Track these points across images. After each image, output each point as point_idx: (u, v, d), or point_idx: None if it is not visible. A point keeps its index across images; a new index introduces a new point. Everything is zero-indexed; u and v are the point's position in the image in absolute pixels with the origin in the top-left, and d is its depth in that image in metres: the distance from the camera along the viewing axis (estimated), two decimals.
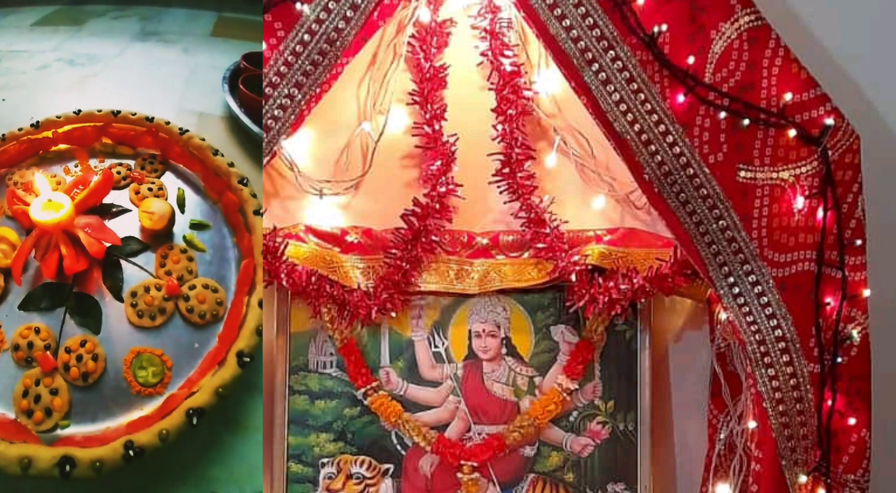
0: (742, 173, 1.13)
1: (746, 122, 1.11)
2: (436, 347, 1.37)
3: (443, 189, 1.31)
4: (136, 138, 1.60)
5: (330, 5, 1.11)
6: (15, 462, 1.01)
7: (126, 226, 1.42)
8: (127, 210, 1.46)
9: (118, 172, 1.53)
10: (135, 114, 1.59)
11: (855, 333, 1.16)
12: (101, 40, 2.24)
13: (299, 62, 1.12)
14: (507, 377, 1.37)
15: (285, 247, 1.29)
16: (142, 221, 1.42)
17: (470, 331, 1.37)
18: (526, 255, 1.35)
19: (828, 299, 1.16)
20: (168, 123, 1.57)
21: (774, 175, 1.13)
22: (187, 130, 1.54)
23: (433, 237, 1.32)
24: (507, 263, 1.35)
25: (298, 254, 1.31)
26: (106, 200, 1.45)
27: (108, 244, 1.34)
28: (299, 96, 1.14)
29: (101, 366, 1.22)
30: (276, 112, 1.14)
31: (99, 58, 2.12)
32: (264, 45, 1.12)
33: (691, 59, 1.10)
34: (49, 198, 1.35)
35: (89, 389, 1.20)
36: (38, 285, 1.32)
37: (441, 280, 1.35)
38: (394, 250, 1.31)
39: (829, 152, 1.13)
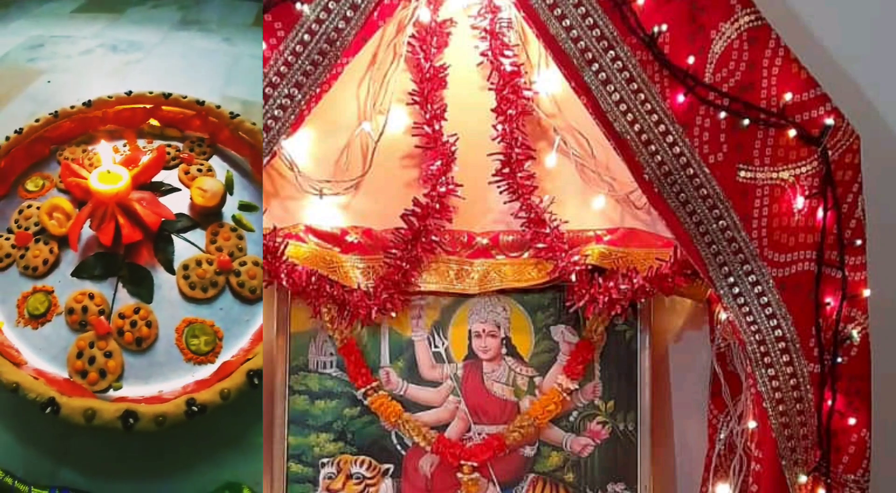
0: (742, 173, 1.13)
1: (746, 122, 1.11)
2: (436, 347, 1.37)
3: (443, 189, 1.31)
4: (185, 121, 1.63)
5: (330, 5, 1.11)
6: (79, 413, 1.08)
7: (176, 204, 1.45)
8: (177, 189, 1.50)
9: (167, 153, 1.56)
10: (185, 97, 1.62)
11: (855, 333, 1.16)
12: (141, 28, 2.30)
13: (299, 62, 1.13)
14: (507, 377, 1.37)
15: (285, 247, 1.29)
16: (194, 198, 1.45)
17: (470, 331, 1.37)
18: (526, 255, 1.35)
19: (828, 299, 1.16)
20: (219, 106, 1.59)
21: (774, 175, 1.13)
22: (238, 115, 1.57)
23: (433, 237, 1.32)
24: (507, 263, 1.35)
25: (298, 254, 1.31)
26: (155, 179, 1.49)
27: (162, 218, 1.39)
28: (299, 96, 1.14)
29: (154, 333, 1.27)
30: (276, 112, 1.14)
31: (140, 45, 2.17)
32: (264, 45, 1.12)
33: (691, 60, 1.10)
34: (108, 169, 1.39)
35: (142, 353, 1.25)
36: (91, 254, 1.37)
37: (441, 280, 1.35)
38: (394, 250, 1.31)
39: (829, 152, 1.13)
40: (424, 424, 1.35)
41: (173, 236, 1.41)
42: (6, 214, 1.45)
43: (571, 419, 1.37)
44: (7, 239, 1.39)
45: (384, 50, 1.33)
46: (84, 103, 1.60)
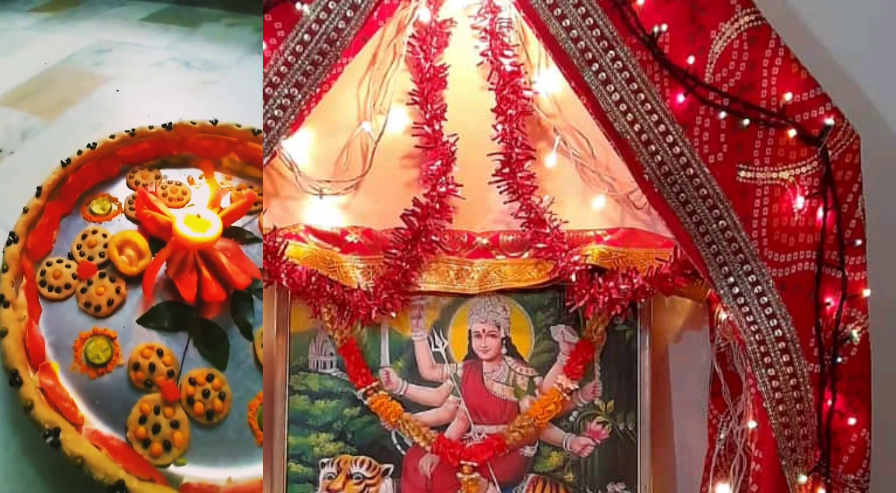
0: (742, 173, 1.13)
1: (746, 122, 1.11)
2: (436, 347, 1.37)
3: (443, 189, 1.31)
4: None
5: (330, 5, 1.11)
6: None
7: (258, 256, 1.32)
8: (258, 239, 1.37)
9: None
10: None
11: (855, 333, 1.16)
12: (216, 46, 2.21)
13: (299, 62, 1.12)
14: (507, 377, 1.37)
15: (285, 247, 1.29)
16: None
17: (470, 331, 1.37)
18: (526, 255, 1.35)
19: (828, 299, 1.16)
20: None
21: (774, 175, 1.13)
22: None
23: (433, 237, 1.32)
24: (507, 263, 1.35)
25: (298, 254, 1.31)
26: (237, 223, 1.39)
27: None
28: (299, 96, 1.14)
29: (227, 407, 1.15)
30: (276, 112, 1.14)
31: (216, 64, 2.08)
32: (264, 46, 1.12)
33: (691, 60, 1.10)
34: (199, 214, 1.29)
35: (212, 428, 1.14)
36: (161, 300, 1.25)
37: (441, 280, 1.35)
38: (394, 250, 1.31)
39: (829, 152, 1.13)
40: (424, 424, 1.35)
41: (254, 297, 1.28)
42: (68, 235, 1.34)
43: (571, 419, 1.37)
44: (68, 266, 1.28)
45: (384, 50, 1.33)
46: (164, 125, 1.51)
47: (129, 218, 1.40)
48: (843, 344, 1.16)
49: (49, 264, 1.29)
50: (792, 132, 1.12)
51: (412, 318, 1.37)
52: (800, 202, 1.13)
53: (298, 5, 1.10)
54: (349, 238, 1.34)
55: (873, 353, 1.18)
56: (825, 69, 1.19)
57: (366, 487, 1.36)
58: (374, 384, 1.35)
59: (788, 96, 1.11)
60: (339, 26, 1.12)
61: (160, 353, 1.18)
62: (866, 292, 1.16)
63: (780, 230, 1.14)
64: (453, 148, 1.32)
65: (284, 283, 1.29)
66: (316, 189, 1.33)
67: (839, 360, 1.16)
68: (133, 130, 1.49)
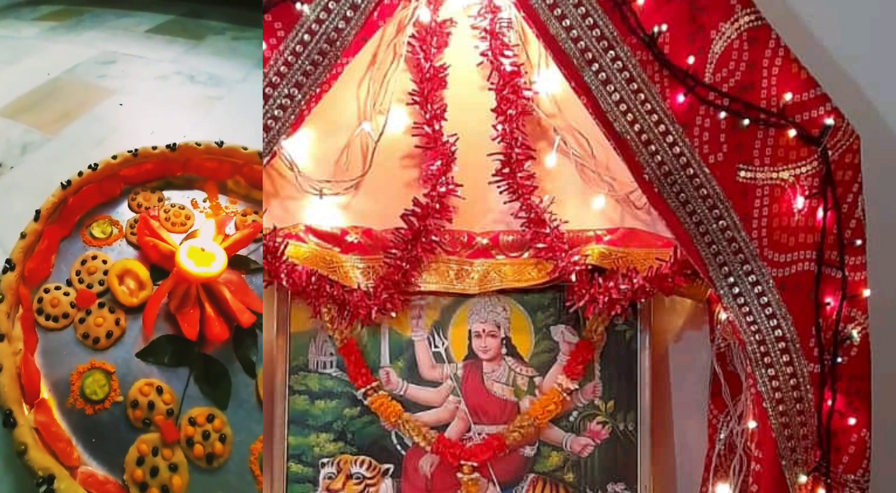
0: (742, 173, 1.13)
1: (746, 122, 1.11)
2: (436, 347, 1.37)
3: (443, 189, 1.31)
4: None
5: (330, 5, 1.11)
6: None
7: (261, 288, 1.29)
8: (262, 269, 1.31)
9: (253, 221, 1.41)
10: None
11: (855, 333, 1.16)
12: (222, 61, 2.16)
13: (299, 62, 1.12)
14: (507, 377, 1.37)
15: (285, 247, 1.29)
16: None
17: (470, 331, 1.37)
18: (526, 255, 1.35)
19: (828, 299, 1.16)
20: None
21: (774, 175, 1.13)
22: None
23: (433, 237, 1.32)
24: (507, 263, 1.35)
25: (298, 254, 1.31)
26: (242, 252, 1.35)
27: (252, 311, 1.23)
28: (299, 96, 1.14)
29: (227, 450, 1.11)
30: (276, 112, 1.14)
31: (221, 79, 2.04)
32: (264, 46, 1.12)
33: (691, 59, 1.10)
34: (202, 247, 1.24)
35: (211, 472, 1.09)
36: (160, 333, 1.21)
37: (441, 280, 1.35)
38: (394, 250, 1.31)
39: (829, 152, 1.13)
40: (424, 424, 1.35)
41: (258, 332, 1.24)
42: (66, 260, 1.29)
43: (571, 418, 1.37)
44: (66, 294, 1.24)
45: (384, 50, 1.33)
46: (168, 146, 1.47)
47: (129, 243, 1.37)
48: (843, 344, 1.16)
49: (46, 291, 1.26)
50: (792, 132, 1.12)
51: (412, 318, 1.37)
52: (800, 202, 1.13)
53: (298, 5, 1.10)
54: (349, 238, 1.34)
55: (873, 353, 1.18)
56: (825, 69, 1.19)
57: (366, 487, 1.36)
58: (374, 384, 1.35)
59: (788, 96, 1.11)
60: (339, 26, 1.12)
61: (160, 390, 1.14)
62: (866, 292, 1.16)
63: (780, 230, 1.14)
64: (453, 148, 1.32)
65: (284, 283, 1.29)
66: (316, 189, 1.33)
67: (839, 360, 1.16)
68: (136, 150, 1.46)
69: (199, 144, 1.49)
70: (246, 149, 1.51)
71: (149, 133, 1.53)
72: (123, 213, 1.42)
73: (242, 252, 1.38)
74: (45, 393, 1.12)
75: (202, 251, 1.24)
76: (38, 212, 1.31)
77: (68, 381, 1.14)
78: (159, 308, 1.23)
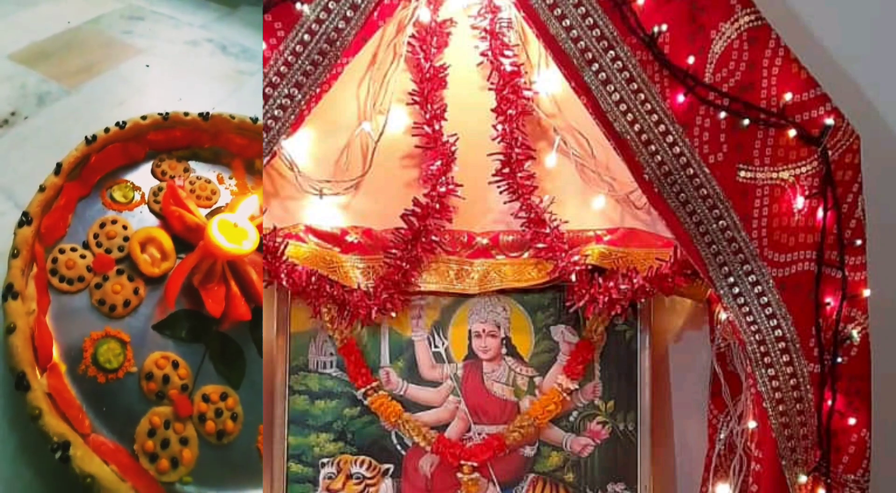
0: (742, 173, 1.13)
1: (746, 122, 1.11)
2: (436, 347, 1.37)
3: (443, 189, 1.31)
4: None
5: (330, 5, 1.11)
6: None
7: None
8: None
9: None
10: None
11: (855, 333, 1.16)
12: (254, 33, 1.98)
13: (299, 62, 1.12)
14: (507, 377, 1.37)
15: (285, 247, 1.29)
16: None
17: (470, 331, 1.37)
18: (526, 255, 1.35)
19: (828, 299, 1.16)
20: None
21: (774, 175, 1.13)
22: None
23: (433, 237, 1.32)
24: (507, 263, 1.35)
25: (298, 254, 1.31)
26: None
27: None
28: (299, 96, 1.14)
29: (238, 428, 1.11)
30: (276, 112, 1.14)
31: (254, 54, 1.89)
32: (264, 46, 1.12)
33: (691, 59, 1.10)
34: (236, 222, 1.20)
35: (220, 448, 1.09)
36: (179, 308, 1.18)
37: (441, 280, 1.35)
38: (394, 250, 1.31)
39: (829, 152, 1.13)
40: (424, 424, 1.35)
41: None
42: (84, 221, 1.24)
43: (571, 419, 1.37)
44: (83, 257, 1.19)
45: (384, 50, 1.33)
46: (201, 115, 1.41)
47: (152, 211, 1.31)
48: (843, 344, 1.16)
49: (62, 252, 1.20)
50: (792, 132, 1.12)
51: (412, 318, 1.37)
52: (800, 202, 1.13)
53: (298, 5, 1.10)
54: (349, 238, 1.34)
55: (873, 353, 1.18)
56: (825, 69, 1.19)
57: (366, 487, 1.36)
58: (374, 384, 1.35)
59: (788, 96, 1.11)
60: (339, 26, 1.12)
61: (175, 365, 1.13)
62: (866, 292, 1.16)
63: (780, 230, 1.14)
64: (453, 148, 1.32)
65: (284, 283, 1.29)
66: (316, 189, 1.33)
67: (839, 360, 1.16)
68: (167, 113, 1.39)
69: (232, 118, 1.43)
70: None
71: (176, 100, 1.45)
72: (146, 178, 1.35)
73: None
74: (56, 358, 1.10)
75: (235, 227, 1.20)
76: (59, 165, 1.25)
77: (81, 347, 1.11)
78: (183, 281, 1.18)
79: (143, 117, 1.36)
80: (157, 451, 1.05)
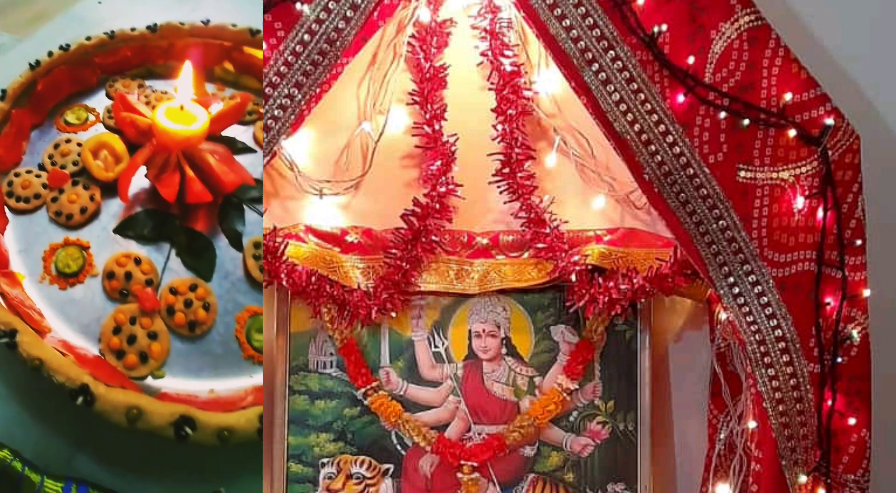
0: (742, 173, 1.13)
1: (746, 122, 1.11)
2: (436, 347, 1.37)
3: (443, 189, 1.31)
4: None
5: (330, 5, 1.11)
6: (121, 411, 0.88)
7: (252, 167, 1.22)
8: (252, 150, 1.27)
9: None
10: None
11: (855, 333, 1.16)
12: None
13: (299, 62, 1.12)
14: (507, 377, 1.37)
15: (285, 247, 1.29)
16: None
17: (470, 331, 1.37)
18: (526, 255, 1.35)
19: (828, 299, 1.16)
20: None
21: (774, 175, 1.13)
22: None
23: (433, 237, 1.32)
24: (507, 263, 1.35)
25: (298, 254, 1.31)
26: (227, 133, 1.25)
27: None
28: (299, 96, 1.14)
29: (211, 318, 1.08)
30: (276, 112, 1.14)
31: None
32: (264, 46, 1.12)
33: (691, 59, 1.10)
34: (181, 105, 1.14)
35: (194, 340, 1.06)
36: (141, 209, 1.15)
37: (441, 280, 1.35)
38: (394, 250, 1.31)
39: (829, 152, 1.13)
40: (424, 424, 1.35)
41: (245, 206, 1.18)
42: (37, 148, 1.22)
43: (571, 418, 1.37)
44: (38, 176, 1.18)
45: (384, 50, 1.33)
46: (148, 27, 1.33)
47: (107, 127, 1.27)
48: (843, 344, 1.16)
49: (17, 175, 1.19)
50: (792, 132, 1.12)
51: (412, 318, 1.37)
52: (800, 202, 1.14)
53: (298, 5, 1.10)
54: (349, 238, 1.34)
55: (873, 353, 1.18)
56: (825, 69, 1.19)
57: (366, 487, 1.36)
58: (374, 384, 1.35)
59: (788, 96, 1.11)
60: (339, 26, 1.12)
61: (138, 261, 1.09)
62: (866, 292, 1.16)
63: (780, 230, 1.14)
64: (453, 148, 1.32)
65: (284, 283, 1.29)
66: (316, 189, 1.33)
67: (839, 360, 1.16)
68: (112, 31, 1.31)
69: (182, 24, 1.35)
70: (235, 26, 1.37)
71: (135, 24, 1.37)
72: (101, 101, 1.32)
73: (228, 135, 1.27)
74: (16, 270, 1.08)
75: (181, 110, 1.15)
76: (3, 91, 1.22)
77: (40, 257, 1.09)
78: (139, 185, 1.15)
79: (88, 38, 1.30)
80: (124, 347, 1.02)
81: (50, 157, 1.21)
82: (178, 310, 1.06)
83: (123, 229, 1.14)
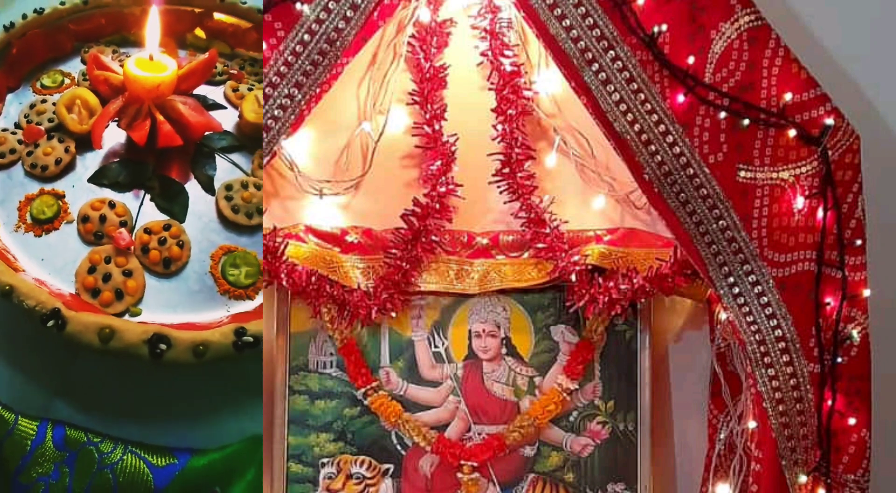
0: (742, 173, 1.13)
1: (746, 122, 1.11)
2: (436, 347, 1.37)
3: (443, 189, 1.31)
4: (238, 35, 1.39)
5: (330, 5, 1.11)
6: (92, 331, 0.89)
7: (221, 118, 1.27)
8: (223, 107, 1.31)
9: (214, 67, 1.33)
10: (245, 3, 1.36)
11: (855, 333, 1.16)
12: None
13: (299, 62, 1.12)
14: (507, 377, 1.37)
15: (285, 247, 1.29)
16: (245, 114, 1.27)
17: (470, 331, 1.37)
18: (526, 255, 1.35)
19: (828, 299, 1.16)
20: None
21: (774, 175, 1.13)
22: None
23: (433, 237, 1.32)
24: (507, 263, 1.35)
25: (298, 254, 1.31)
26: (198, 92, 1.28)
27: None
28: (299, 96, 1.14)
29: (185, 254, 1.10)
30: (276, 112, 1.14)
31: None
32: (264, 46, 1.12)
33: (691, 59, 1.10)
34: (151, 54, 1.17)
35: (169, 277, 1.09)
36: (115, 160, 1.18)
37: (441, 280, 1.35)
38: (394, 250, 1.31)
39: (829, 152, 1.13)
40: (424, 424, 1.35)
41: (217, 155, 1.22)
42: (13, 111, 1.25)
43: (571, 418, 1.37)
44: (14, 133, 1.20)
45: (384, 50, 1.33)
46: None
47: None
48: (843, 344, 1.16)
49: None
50: (792, 132, 1.12)
51: (412, 318, 1.37)
52: (800, 202, 1.14)
53: (298, 5, 1.10)
54: (349, 238, 1.34)
55: (873, 353, 1.18)
56: (825, 69, 1.19)
57: (366, 487, 1.36)
58: (374, 384, 1.35)
59: (788, 96, 1.11)
60: (339, 26, 1.12)
61: (112, 205, 1.12)
62: (866, 292, 1.16)
63: (780, 230, 1.14)
64: (453, 148, 1.32)
65: (284, 283, 1.29)
66: (316, 189, 1.33)
67: (839, 360, 1.16)
68: (86, 0, 1.35)
69: None
70: None
71: None
72: (76, 67, 1.35)
73: (201, 93, 1.30)
74: None
75: (150, 60, 1.18)
76: None
77: (16, 208, 1.12)
78: (116, 141, 1.19)
79: (62, 3, 1.33)
80: (99, 285, 1.03)
81: (26, 116, 1.24)
82: (153, 248, 1.08)
83: (99, 178, 1.17)
